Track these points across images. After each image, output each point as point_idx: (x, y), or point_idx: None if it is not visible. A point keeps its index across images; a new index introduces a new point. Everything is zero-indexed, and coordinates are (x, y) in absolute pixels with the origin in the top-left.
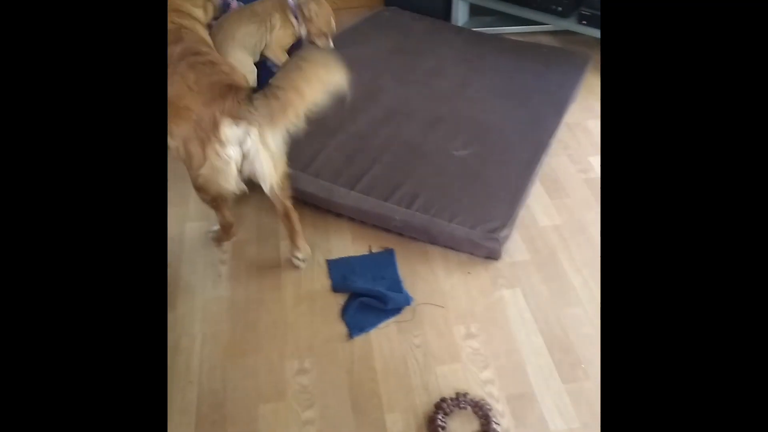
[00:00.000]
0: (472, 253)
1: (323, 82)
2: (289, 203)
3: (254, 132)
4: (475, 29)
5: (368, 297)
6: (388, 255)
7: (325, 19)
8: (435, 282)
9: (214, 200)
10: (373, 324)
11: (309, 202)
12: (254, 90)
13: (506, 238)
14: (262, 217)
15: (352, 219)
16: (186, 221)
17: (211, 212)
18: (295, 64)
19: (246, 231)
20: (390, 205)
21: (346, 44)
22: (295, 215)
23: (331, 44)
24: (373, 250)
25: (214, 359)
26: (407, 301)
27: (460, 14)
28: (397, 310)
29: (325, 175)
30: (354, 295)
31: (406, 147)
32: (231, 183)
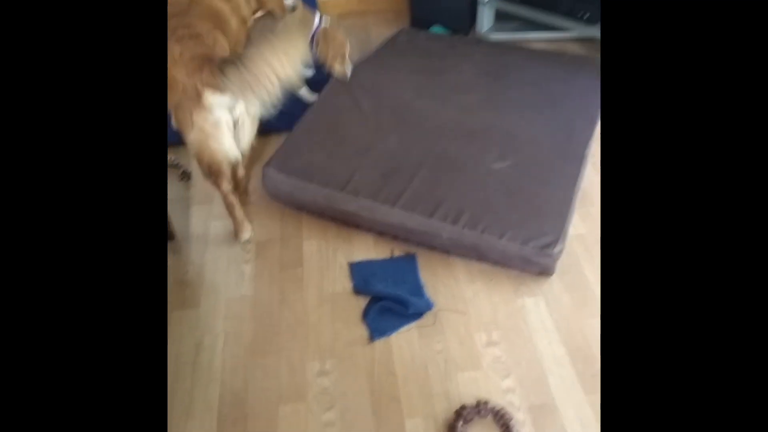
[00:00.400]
0: (524, 270)
1: (289, 54)
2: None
3: (241, 100)
4: (494, 39)
5: (389, 301)
6: (409, 260)
7: (340, 42)
8: (457, 288)
9: (212, 172)
10: (394, 328)
11: (350, 222)
12: (225, 61)
13: (560, 253)
14: (285, 218)
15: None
16: (210, 220)
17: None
18: (264, 37)
19: (269, 231)
20: (436, 222)
21: (366, 71)
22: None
23: (349, 69)
24: (396, 254)
25: (237, 358)
26: (428, 306)
27: (485, 20)
28: (418, 315)
29: (365, 192)
30: (375, 299)
31: (441, 161)
32: (222, 147)
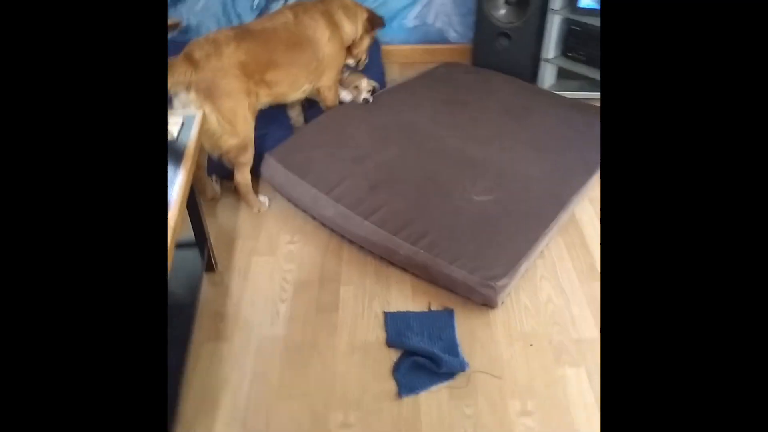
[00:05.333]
0: (469, 298)
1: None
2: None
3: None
4: (556, 92)
5: (422, 357)
6: (447, 315)
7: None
8: (494, 349)
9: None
10: (424, 386)
11: (326, 225)
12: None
13: (504, 287)
14: (327, 260)
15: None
16: (254, 255)
17: (278, 248)
18: None
19: (309, 273)
20: (397, 240)
21: (392, 92)
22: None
23: (363, 97)
24: (433, 308)
25: (261, 399)
26: (462, 366)
27: (547, 77)
28: (450, 375)
29: (346, 201)
30: (408, 353)
31: (429, 184)
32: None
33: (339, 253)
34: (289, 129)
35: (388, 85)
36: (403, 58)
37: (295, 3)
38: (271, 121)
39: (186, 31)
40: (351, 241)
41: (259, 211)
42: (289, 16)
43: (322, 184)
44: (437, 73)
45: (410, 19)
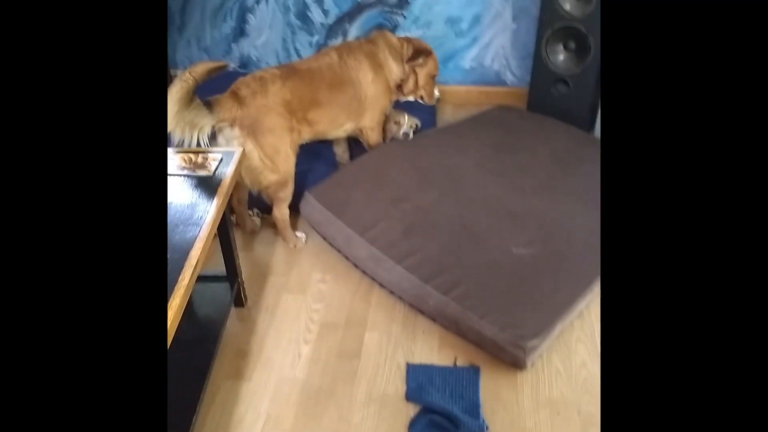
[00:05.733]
0: (497, 357)
1: None
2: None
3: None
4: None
5: (441, 415)
6: (472, 373)
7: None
8: (518, 414)
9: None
10: None
11: (359, 267)
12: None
13: (534, 349)
14: (355, 302)
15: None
16: (284, 293)
17: (309, 286)
18: None
19: (335, 315)
20: (428, 288)
21: (440, 133)
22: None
23: (403, 133)
24: (459, 364)
25: None
26: (481, 430)
27: None
28: None
29: (380, 243)
30: (426, 410)
31: (466, 232)
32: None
33: (368, 297)
34: (333, 165)
35: (439, 125)
36: (458, 99)
37: (342, 44)
38: (317, 157)
39: (246, 64)
40: (382, 285)
41: (295, 246)
42: (334, 56)
43: (357, 225)
44: (489, 115)
45: (467, 61)
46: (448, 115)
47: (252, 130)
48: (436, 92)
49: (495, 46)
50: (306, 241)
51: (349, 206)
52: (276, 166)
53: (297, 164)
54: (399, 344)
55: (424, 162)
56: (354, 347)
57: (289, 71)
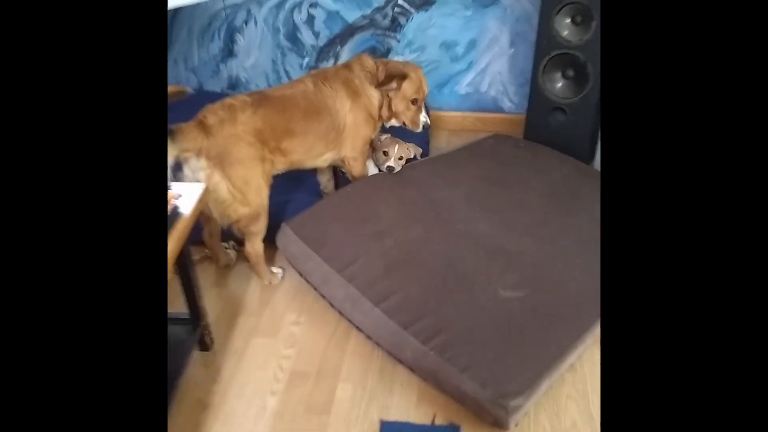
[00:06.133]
0: (478, 415)
1: None
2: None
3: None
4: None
5: None
6: None
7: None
8: None
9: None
10: None
11: (335, 307)
12: None
13: (518, 408)
14: (330, 349)
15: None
16: (254, 335)
17: (281, 329)
18: None
19: (307, 363)
20: (407, 335)
21: (434, 164)
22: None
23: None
24: (438, 422)
25: None
26: None
27: None
28: None
29: (358, 281)
30: None
31: (451, 271)
32: None
33: (345, 343)
34: (317, 195)
35: (432, 154)
36: (454, 125)
37: (318, 71)
38: (299, 185)
39: (235, 86)
40: (359, 329)
41: (270, 283)
42: (309, 84)
43: (335, 260)
44: (484, 145)
45: (462, 86)
46: (442, 143)
47: (220, 161)
48: (423, 118)
49: (492, 71)
50: (283, 278)
51: (328, 240)
52: (246, 198)
53: (277, 193)
54: (374, 398)
55: (410, 194)
56: (324, 401)
57: (260, 98)
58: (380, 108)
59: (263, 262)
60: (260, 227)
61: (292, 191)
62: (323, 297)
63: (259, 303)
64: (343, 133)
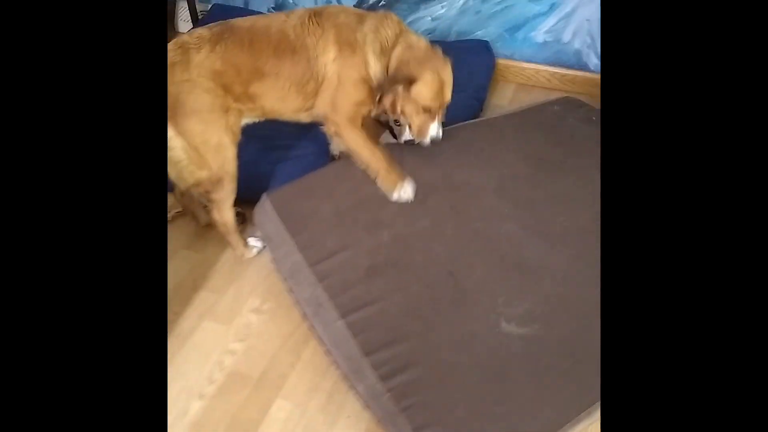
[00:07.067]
0: None
1: None
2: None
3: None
4: None
5: None
6: None
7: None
8: None
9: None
10: None
11: (300, 305)
12: None
13: None
14: (283, 351)
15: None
16: (207, 317)
17: (238, 315)
18: None
19: (253, 362)
20: (365, 364)
21: (470, 133)
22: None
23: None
24: None
25: None
26: None
27: None
28: None
29: (330, 281)
30: None
31: (449, 286)
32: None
33: (301, 348)
34: (324, 155)
35: (488, 113)
36: (524, 79)
37: (318, 7)
38: (302, 139)
39: (282, 6)
40: (319, 340)
41: (242, 256)
42: (292, 18)
43: (311, 251)
44: (545, 112)
45: (540, 32)
46: (504, 99)
47: (172, 114)
48: (435, 131)
49: (578, 18)
50: (260, 251)
51: (310, 223)
52: (204, 159)
53: (273, 147)
54: (312, 427)
55: (427, 174)
56: (254, 418)
57: (222, 32)
58: (379, 90)
59: (234, 232)
60: (224, 194)
61: (293, 145)
62: (290, 291)
63: (227, 277)
64: (322, 86)
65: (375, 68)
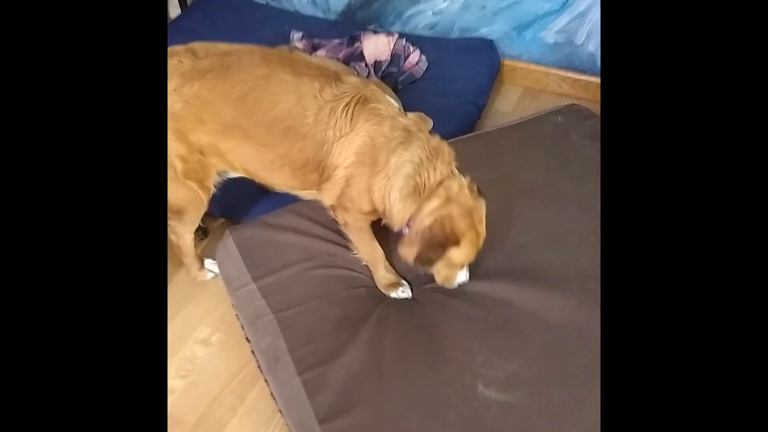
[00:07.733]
0: None
1: None
2: None
3: None
4: None
5: None
6: None
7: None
8: None
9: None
10: None
11: (255, 355)
12: None
13: None
14: (225, 394)
15: None
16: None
17: (184, 345)
18: None
19: (190, 405)
20: (310, 415)
21: (462, 149)
22: None
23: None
24: None
25: None
26: None
27: None
28: None
29: (293, 332)
30: None
31: (420, 337)
32: None
33: (247, 390)
34: None
35: (491, 119)
36: (532, 82)
37: (368, 93)
38: None
39: None
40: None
41: (196, 278)
42: (327, 95)
43: (275, 298)
44: (547, 125)
45: (551, 32)
46: (508, 105)
47: None
48: (463, 277)
49: (593, 17)
50: (215, 276)
51: (278, 268)
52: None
53: None
54: None
55: None
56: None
57: (210, 66)
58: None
59: (191, 255)
60: (183, 226)
61: None
62: (247, 340)
63: (179, 301)
64: (328, 182)
65: (393, 208)
